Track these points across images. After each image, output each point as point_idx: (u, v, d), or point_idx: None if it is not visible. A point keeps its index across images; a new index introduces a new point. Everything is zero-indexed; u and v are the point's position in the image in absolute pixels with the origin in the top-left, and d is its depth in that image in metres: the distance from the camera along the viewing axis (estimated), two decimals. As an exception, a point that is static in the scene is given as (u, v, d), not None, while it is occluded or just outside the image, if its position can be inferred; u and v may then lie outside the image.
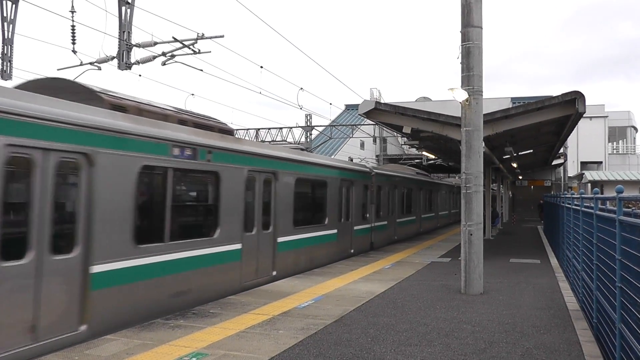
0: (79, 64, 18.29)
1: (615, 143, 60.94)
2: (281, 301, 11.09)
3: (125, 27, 16.52)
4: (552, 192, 42.16)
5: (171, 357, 7.28)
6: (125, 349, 7.58)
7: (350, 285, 13.09)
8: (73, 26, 16.54)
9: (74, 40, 16.79)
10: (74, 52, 17.09)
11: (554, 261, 18.42)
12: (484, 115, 13.14)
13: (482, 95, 12.54)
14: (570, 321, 9.68)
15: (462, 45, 12.53)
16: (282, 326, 9.05)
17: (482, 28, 12.50)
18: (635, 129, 63.35)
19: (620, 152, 60.14)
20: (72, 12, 16.32)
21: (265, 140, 36.01)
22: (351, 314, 10.08)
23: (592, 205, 9.08)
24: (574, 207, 12.56)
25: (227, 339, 8.20)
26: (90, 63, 18.15)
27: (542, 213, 38.87)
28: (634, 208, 6.96)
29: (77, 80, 10.21)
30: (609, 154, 57.69)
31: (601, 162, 55.97)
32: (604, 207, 8.75)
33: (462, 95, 12.31)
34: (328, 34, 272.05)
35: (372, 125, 39.28)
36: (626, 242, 6.22)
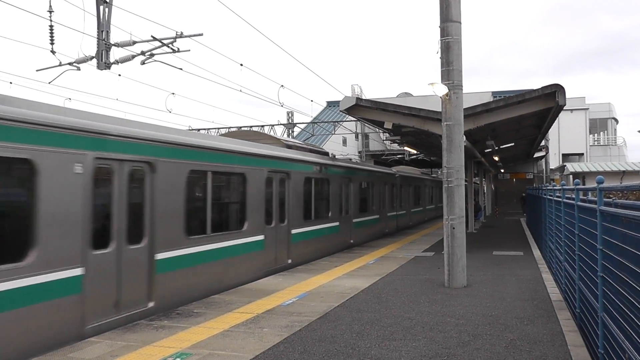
0: (58, 64, 18.16)
1: (596, 135, 61.42)
2: (265, 299, 11.06)
3: (103, 27, 16.41)
4: (535, 185, 42.46)
5: (155, 357, 7.23)
6: (109, 351, 7.52)
7: (334, 282, 13.09)
8: (51, 26, 16.39)
9: (52, 40, 16.64)
10: (53, 52, 16.96)
11: (536, 253, 18.53)
12: (465, 109, 13.20)
13: (462, 89, 12.57)
14: (553, 312, 9.74)
15: (441, 40, 12.54)
16: (267, 324, 9.02)
17: (461, 23, 12.52)
18: (616, 120, 63.86)
19: (601, 144, 60.62)
20: (50, 11, 16.17)
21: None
22: (335, 310, 10.07)
23: (574, 196, 9.14)
24: (555, 198, 12.65)
25: (212, 339, 8.17)
26: (69, 63, 18.02)
27: (525, 206, 39.12)
28: (614, 198, 6.98)
29: None
30: (590, 145, 58.15)
31: (583, 154, 56.39)
32: (585, 198, 8.81)
33: (442, 89, 12.33)
34: (308, 31, 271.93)
35: (354, 122, 39.33)
36: (607, 232, 6.25)
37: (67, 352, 7.41)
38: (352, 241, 21.56)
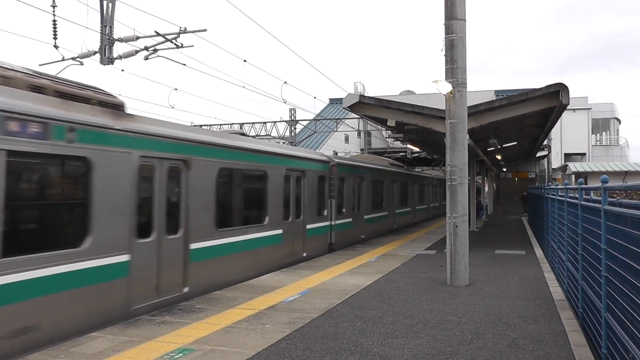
0: (61, 59, 18.13)
1: (598, 135, 61.35)
2: (267, 295, 11.05)
3: (107, 22, 16.40)
4: (537, 184, 42.39)
5: (157, 353, 7.23)
6: (111, 346, 7.51)
7: (336, 279, 13.08)
8: (54, 21, 16.37)
9: (55, 35, 16.62)
10: (56, 47, 16.93)
11: (539, 252, 18.51)
12: (469, 107, 13.16)
13: (466, 87, 12.54)
14: (556, 311, 9.72)
15: (445, 37, 12.51)
16: (269, 320, 9.02)
17: (465, 21, 12.49)
18: (619, 121, 63.79)
19: (603, 144, 60.56)
20: (53, 6, 16.15)
21: (249, 134, 35.80)
22: (337, 307, 10.06)
23: (577, 195, 9.11)
24: (558, 197, 12.62)
25: (214, 334, 8.16)
26: (72, 58, 18.00)
27: (526, 205, 39.05)
28: (619, 198, 6.98)
29: None
30: (593, 145, 58.09)
31: (585, 154, 56.33)
32: (588, 197, 8.79)
33: (446, 87, 12.31)
34: (311, 28, 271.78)
35: (357, 119, 39.26)
36: (612, 232, 6.23)
37: (69, 347, 7.40)
38: (186, 288, 11.07)
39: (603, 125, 61.09)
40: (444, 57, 12.59)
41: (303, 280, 12.83)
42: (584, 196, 8.88)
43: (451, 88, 12.32)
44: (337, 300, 10.66)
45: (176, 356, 7.09)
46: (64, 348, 7.37)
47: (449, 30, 12.43)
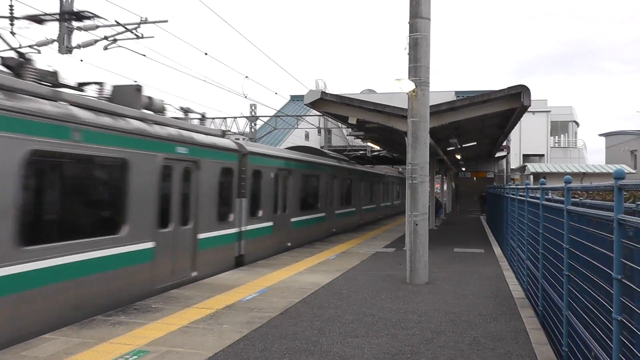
0: (17, 46, 17.58)
1: (557, 137, 62.36)
2: (225, 294, 10.85)
3: (66, 9, 15.92)
4: (495, 184, 42.85)
5: (112, 355, 6.98)
6: (65, 348, 7.22)
7: (295, 277, 12.93)
8: (11, 6, 15.83)
9: (12, 21, 16.08)
10: (13, 33, 16.40)
11: (497, 250, 18.65)
12: (430, 107, 13.13)
13: (428, 86, 12.51)
14: (516, 309, 9.74)
15: (409, 36, 12.45)
16: (226, 320, 8.82)
17: (430, 20, 12.45)
18: (577, 123, 64.94)
19: (562, 146, 61.57)
20: (12, -10, 15.60)
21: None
22: (296, 306, 9.92)
23: (539, 195, 9.12)
24: (518, 197, 12.67)
25: (170, 335, 7.93)
26: (30, 46, 17.46)
27: (485, 205, 39.41)
28: (581, 198, 6.99)
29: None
30: (551, 147, 59.01)
31: (543, 155, 57.18)
32: (548, 197, 8.80)
33: (409, 85, 12.25)
34: (274, 23, 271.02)
35: (317, 117, 39.16)
36: (574, 231, 6.22)
37: (20, 351, 7.08)
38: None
39: (562, 127, 62.14)
40: (408, 56, 12.54)
41: (262, 279, 12.65)
42: (545, 196, 8.89)
43: (414, 86, 12.27)
44: (296, 299, 10.51)
45: (131, 358, 6.85)
46: (15, 351, 7.06)
47: (413, 28, 12.37)
